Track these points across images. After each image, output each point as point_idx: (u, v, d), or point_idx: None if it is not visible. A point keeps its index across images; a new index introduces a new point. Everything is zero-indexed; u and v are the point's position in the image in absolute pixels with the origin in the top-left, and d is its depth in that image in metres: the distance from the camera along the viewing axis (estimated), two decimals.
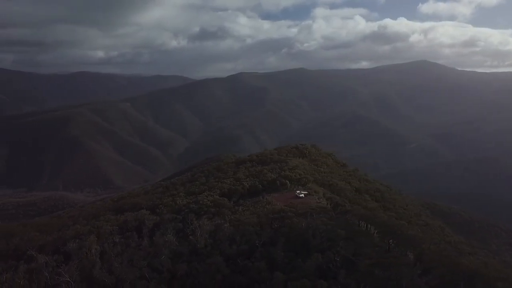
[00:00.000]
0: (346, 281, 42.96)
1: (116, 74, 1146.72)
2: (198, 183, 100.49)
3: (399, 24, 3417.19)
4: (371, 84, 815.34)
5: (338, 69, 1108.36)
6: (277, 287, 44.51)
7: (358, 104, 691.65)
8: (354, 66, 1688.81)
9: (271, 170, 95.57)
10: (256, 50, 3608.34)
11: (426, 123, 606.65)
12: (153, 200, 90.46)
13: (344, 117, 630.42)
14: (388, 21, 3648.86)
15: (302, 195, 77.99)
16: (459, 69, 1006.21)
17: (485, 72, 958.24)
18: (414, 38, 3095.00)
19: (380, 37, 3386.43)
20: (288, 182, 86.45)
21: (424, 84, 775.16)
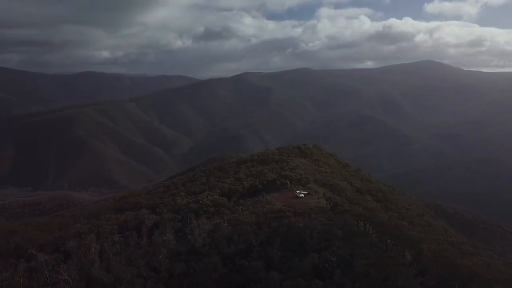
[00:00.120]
0: (342, 281, 42.97)
1: (121, 74, 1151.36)
2: (199, 182, 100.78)
3: (405, 24, 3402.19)
4: (376, 84, 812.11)
5: (342, 69, 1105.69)
6: (273, 286, 44.58)
7: (363, 104, 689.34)
8: (359, 66, 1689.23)
9: (271, 170, 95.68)
10: (261, 50, 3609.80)
11: (431, 123, 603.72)
12: (154, 200, 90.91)
13: (348, 117, 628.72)
14: (393, 21, 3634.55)
15: (302, 195, 78.00)
16: (464, 69, 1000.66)
17: (491, 72, 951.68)
18: (419, 38, 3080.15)
19: (385, 37, 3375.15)
20: (288, 182, 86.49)
21: (429, 84, 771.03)
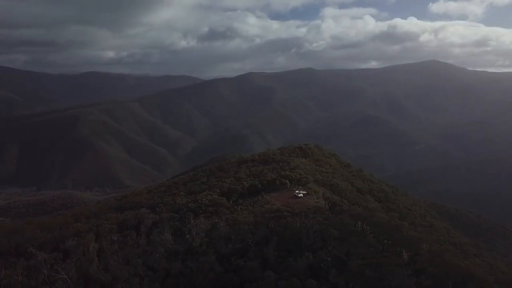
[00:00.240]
0: (337, 280, 43.02)
1: (126, 74, 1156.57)
2: (199, 182, 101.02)
3: (409, 24, 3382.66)
4: (380, 84, 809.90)
5: (346, 69, 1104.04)
6: (268, 286, 44.70)
7: (367, 104, 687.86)
8: (363, 66, 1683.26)
9: (271, 170, 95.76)
10: (265, 50, 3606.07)
11: (436, 124, 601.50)
12: (154, 199, 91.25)
13: (352, 117, 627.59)
14: (398, 21, 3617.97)
15: (301, 195, 78.03)
16: (469, 69, 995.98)
17: (496, 72, 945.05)
18: (424, 37, 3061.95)
19: (389, 37, 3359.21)
20: (288, 182, 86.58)
21: (434, 84, 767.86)
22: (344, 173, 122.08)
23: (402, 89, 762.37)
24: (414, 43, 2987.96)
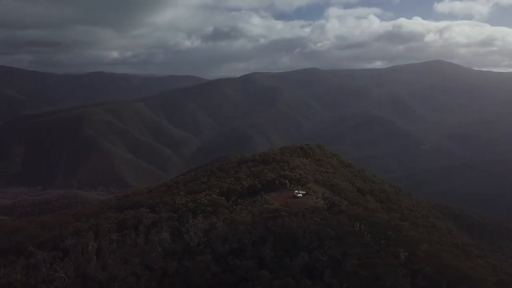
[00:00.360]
0: (331, 280, 43.03)
1: (131, 74, 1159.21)
2: (199, 182, 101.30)
3: (414, 24, 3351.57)
4: (385, 84, 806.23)
5: (351, 69, 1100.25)
6: (263, 285, 44.82)
7: (372, 104, 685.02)
8: (368, 66, 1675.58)
9: (271, 170, 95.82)
10: (269, 50, 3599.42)
11: (441, 124, 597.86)
12: (154, 199, 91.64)
13: (357, 117, 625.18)
14: (403, 21, 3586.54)
15: (300, 194, 78.01)
16: (475, 69, 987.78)
17: (502, 72, 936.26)
18: (429, 37, 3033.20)
19: (394, 36, 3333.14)
20: (287, 182, 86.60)
21: (439, 84, 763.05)
22: (345, 173, 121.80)
23: (407, 89, 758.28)
24: (419, 43, 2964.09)
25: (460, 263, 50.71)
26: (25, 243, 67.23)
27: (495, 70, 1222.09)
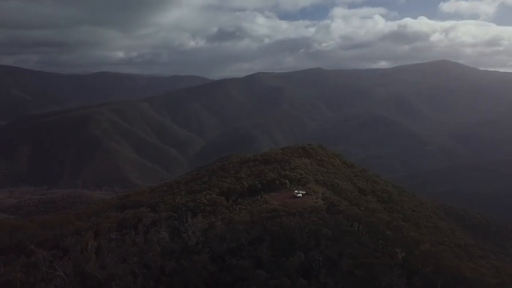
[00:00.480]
0: (326, 280, 43.03)
1: (136, 74, 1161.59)
2: (200, 182, 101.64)
3: (420, 23, 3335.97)
4: (389, 84, 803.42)
5: (356, 69, 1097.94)
6: (259, 285, 44.92)
7: (376, 105, 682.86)
8: (373, 66, 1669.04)
9: (272, 170, 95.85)
10: (274, 50, 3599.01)
11: (446, 124, 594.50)
12: (155, 198, 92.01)
13: (361, 118, 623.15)
14: (408, 20, 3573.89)
15: (300, 194, 77.95)
16: (481, 69, 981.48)
17: (508, 72, 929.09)
18: (434, 37, 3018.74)
19: (399, 36, 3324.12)
20: (287, 181, 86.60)
21: (444, 84, 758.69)
22: (347, 174, 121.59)
23: (412, 89, 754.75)
24: (425, 43, 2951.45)
25: (458, 264, 50.49)
26: (25, 241, 67.74)
27: (501, 70, 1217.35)
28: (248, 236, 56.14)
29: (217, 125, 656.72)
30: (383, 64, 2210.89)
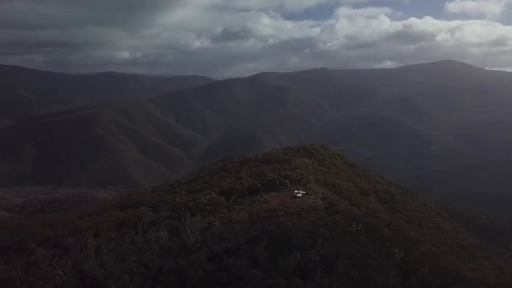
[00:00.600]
0: (321, 280, 43.03)
1: (140, 74, 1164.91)
2: (201, 181, 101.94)
3: (425, 23, 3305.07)
4: (395, 84, 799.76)
5: (361, 69, 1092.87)
6: (255, 284, 45.02)
7: (381, 104, 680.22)
8: (378, 66, 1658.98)
9: (272, 170, 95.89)
10: (278, 50, 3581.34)
11: (452, 124, 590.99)
12: (155, 198, 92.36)
13: (366, 118, 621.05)
14: (413, 20, 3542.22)
15: (300, 194, 77.97)
16: (487, 68, 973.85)
17: None
18: (440, 37, 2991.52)
19: (405, 36, 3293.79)
20: (287, 181, 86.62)
21: (450, 84, 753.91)
22: (349, 174, 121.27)
23: (417, 89, 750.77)
24: (430, 43, 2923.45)
25: (458, 264, 50.25)
26: (26, 240, 68.28)
27: (508, 70, 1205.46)
28: (246, 236, 56.26)
29: (221, 125, 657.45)
30: (388, 64, 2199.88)
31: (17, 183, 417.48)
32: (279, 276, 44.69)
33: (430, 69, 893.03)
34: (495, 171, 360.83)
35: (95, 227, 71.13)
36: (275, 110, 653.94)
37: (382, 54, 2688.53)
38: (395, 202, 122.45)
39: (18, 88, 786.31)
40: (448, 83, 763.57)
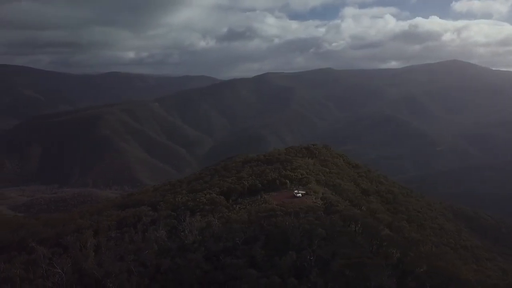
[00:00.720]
0: (316, 280, 43.04)
1: (146, 74, 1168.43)
2: (202, 181, 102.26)
3: (431, 23, 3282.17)
4: (400, 84, 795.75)
5: (366, 69, 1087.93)
6: (250, 283, 45.13)
7: (387, 105, 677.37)
8: (383, 66, 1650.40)
9: (273, 170, 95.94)
10: (284, 50, 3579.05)
11: (458, 124, 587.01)
12: (156, 197, 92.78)
13: (372, 118, 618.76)
14: (419, 20, 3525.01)
15: (300, 194, 77.95)
16: (493, 68, 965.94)
17: None
18: (446, 37, 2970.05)
19: (410, 36, 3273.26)
20: (288, 181, 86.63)
21: (456, 84, 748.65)
22: (351, 174, 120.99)
23: (423, 89, 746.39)
24: (436, 43, 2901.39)
25: (453, 265, 49.97)
26: (28, 239, 68.88)
27: None
28: (244, 236, 56.37)
29: (226, 125, 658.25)
30: (393, 64, 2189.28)
31: (23, 182, 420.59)
32: (274, 275, 44.75)
33: (436, 69, 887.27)
34: (502, 171, 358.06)
35: (96, 226, 71.63)
36: (280, 110, 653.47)
37: (388, 54, 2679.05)
38: (398, 202, 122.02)
39: (24, 88, 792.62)
40: (454, 83, 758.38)
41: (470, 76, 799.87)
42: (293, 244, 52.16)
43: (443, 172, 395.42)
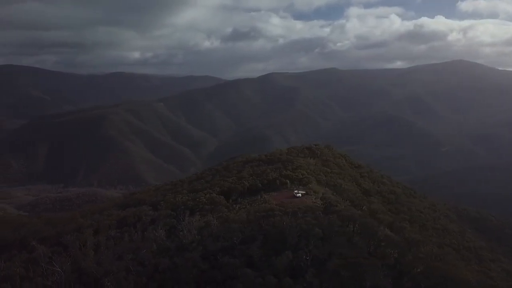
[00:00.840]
0: (312, 280, 43.10)
1: (150, 74, 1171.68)
2: (203, 181, 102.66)
3: (437, 23, 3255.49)
4: (405, 84, 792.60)
5: (371, 69, 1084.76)
6: (247, 283, 45.28)
7: (392, 105, 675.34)
8: (389, 66, 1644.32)
9: (274, 170, 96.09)
10: (288, 50, 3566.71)
11: (463, 125, 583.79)
12: (157, 197, 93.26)
13: (376, 118, 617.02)
14: (425, 20, 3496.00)
15: (300, 194, 77.99)
16: (499, 68, 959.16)
17: None
18: (452, 37, 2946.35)
19: (416, 36, 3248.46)
20: (288, 181, 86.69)
21: (461, 85, 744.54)
22: (352, 174, 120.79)
23: (428, 89, 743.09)
24: (442, 43, 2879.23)
25: (452, 266, 49.81)
26: (29, 238, 69.49)
27: None
28: (242, 235, 56.54)
29: (231, 125, 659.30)
30: (399, 64, 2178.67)
31: (29, 181, 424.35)
32: (270, 275, 44.86)
33: (442, 69, 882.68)
34: (507, 172, 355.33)
35: (96, 225, 72.12)
36: (284, 110, 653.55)
37: (393, 54, 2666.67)
38: (400, 203, 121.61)
39: (30, 88, 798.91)
40: (460, 83, 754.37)
41: (476, 76, 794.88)
42: (290, 244, 52.26)
43: (447, 172, 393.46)
